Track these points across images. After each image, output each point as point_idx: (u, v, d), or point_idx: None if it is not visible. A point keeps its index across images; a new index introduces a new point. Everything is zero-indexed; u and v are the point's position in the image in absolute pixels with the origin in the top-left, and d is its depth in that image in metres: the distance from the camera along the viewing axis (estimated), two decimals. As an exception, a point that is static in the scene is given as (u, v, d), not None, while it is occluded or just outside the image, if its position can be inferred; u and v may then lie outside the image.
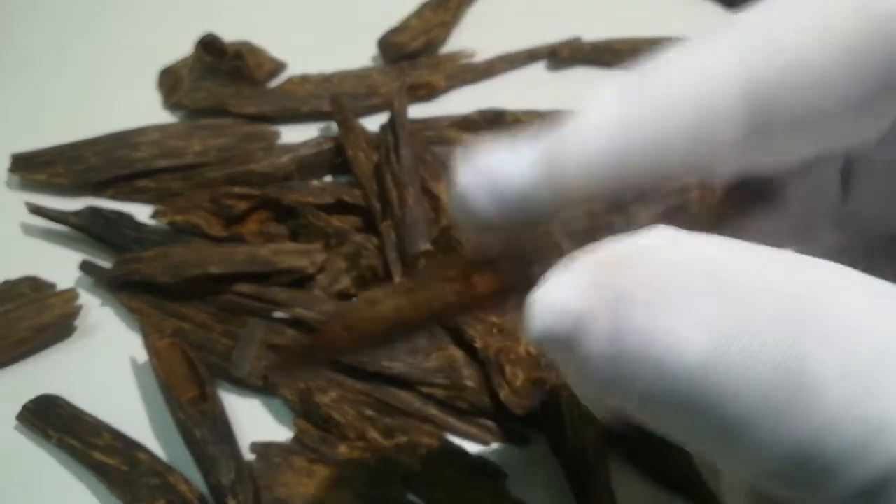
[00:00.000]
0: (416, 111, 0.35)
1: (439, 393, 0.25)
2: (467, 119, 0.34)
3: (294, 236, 0.30)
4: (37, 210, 0.31)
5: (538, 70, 0.39)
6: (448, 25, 0.40)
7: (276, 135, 0.35)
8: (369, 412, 0.25)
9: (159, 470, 0.24)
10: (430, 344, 0.26)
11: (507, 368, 0.25)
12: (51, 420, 0.25)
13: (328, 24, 0.41)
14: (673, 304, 0.11)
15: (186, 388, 0.25)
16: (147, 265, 0.28)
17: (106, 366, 0.27)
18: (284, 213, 0.31)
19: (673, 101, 0.13)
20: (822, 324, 0.10)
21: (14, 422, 0.26)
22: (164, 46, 0.39)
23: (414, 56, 0.39)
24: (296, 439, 0.25)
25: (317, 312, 0.27)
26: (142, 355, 0.27)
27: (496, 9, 0.43)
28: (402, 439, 0.24)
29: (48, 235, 0.32)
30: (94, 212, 0.31)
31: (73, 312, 0.28)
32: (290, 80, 0.37)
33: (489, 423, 0.25)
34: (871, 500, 0.10)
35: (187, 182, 0.32)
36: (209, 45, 0.37)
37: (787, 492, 0.11)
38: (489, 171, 0.14)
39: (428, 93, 0.37)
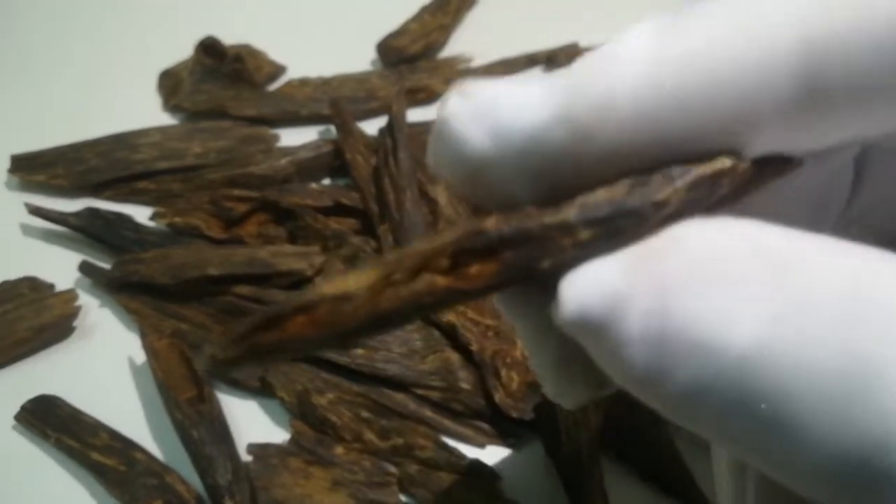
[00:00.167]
0: (415, 115, 0.35)
1: (435, 395, 0.26)
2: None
3: (293, 238, 0.30)
4: (36, 211, 0.31)
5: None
6: (447, 29, 0.41)
7: (276, 137, 0.35)
8: (365, 414, 0.25)
9: (157, 470, 0.24)
10: (425, 346, 0.26)
11: (503, 371, 0.25)
12: (49, 420, 0.25)
13: (328, 28, 0.42)
14: (723, 286, 0.10)
15: (184, 388, 0.25)
16: (146, 266, 0.29)
17: (104, 366, 0.28)
18: (283, 215, 0.31)
19: (716, 56, 0.11)
20: (883, 308, 0.09)
21: (12, 422, 0.26)
22: (165, 49, 0.39)
23: (413, 60, 0.39)
24: (292, 441, 0.25)
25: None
26: (140, 356, 0.27)
27: (495, 13, 0.43)
28: (398, 441, 0.24)
29: (47, 236, 0.32)
30: (93, 213, 0.31)
31: (72, 313, 0.28)
32: (290, 84, 0.38)
33: (484, 425, 0.25)
34: None
35: (187, 184, 0.32)
36: (209, 48, 0.37)
37: (841, 500, 0.10)
38: (491, 101, 0.11)
39: (427, 97, 0.37)
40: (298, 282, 0.28)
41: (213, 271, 0.28)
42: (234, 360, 0.11)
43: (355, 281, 0.11)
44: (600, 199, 0.10)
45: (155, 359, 0.26)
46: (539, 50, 0.39)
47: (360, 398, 0.26)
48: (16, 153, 0.34)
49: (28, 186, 0.33)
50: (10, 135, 0.35)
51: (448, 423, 0.25)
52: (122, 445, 0.25)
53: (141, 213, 0.32)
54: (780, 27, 0.10)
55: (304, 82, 0.38)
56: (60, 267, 0.30)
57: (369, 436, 0.25)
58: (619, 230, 0.10)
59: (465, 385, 0.26)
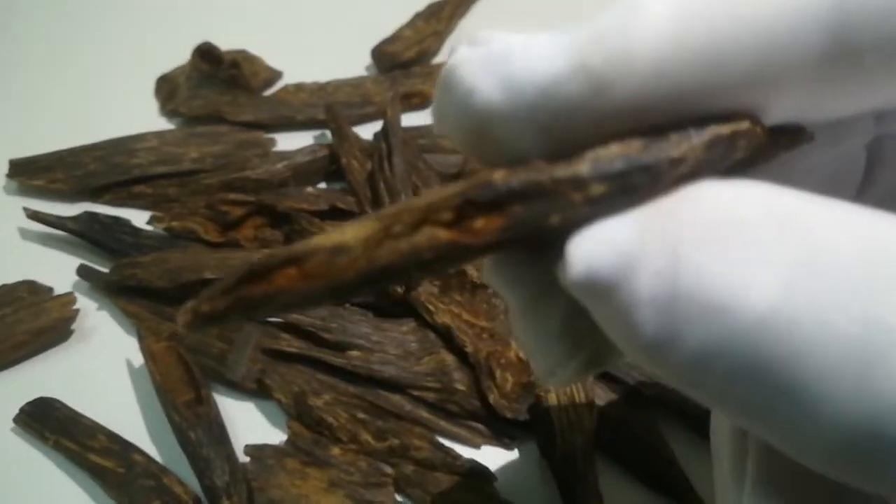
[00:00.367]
0: (410, 120, 0.35)
1: (430, 396, 0.26)
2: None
3: (288, 242, 0.30)
4: (35, 215, 0.31)
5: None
6: (441, 35, 0.41)
7: (272, 142, 0.35)
8: (361, 415, 0.25)
9: (154, 472, 0.24)
10: (421, 348, 0.27)
11: (497, 373, 0.25)
12: (47, 422, 0.26)
13: (323, 34, 0.42)
14: (738, 247, 0.09)
15: (182, 390, 0.26)
16: (144, 270, 0.29)
17: (102, 369, 0.28)
18: (279, 219, 0.31)
19: (743, 8, 0.10)
20: None
21: (11, 424, 0.26)
22: (162, 54, 0.40)
23: (407, 65, 0.39)
24: (289, 442, 0.25)
25: (312, 317, 0.27)
26: (138, 358, 0.28)
27: (488, 19, 0.43)
28: (394, 442, 0.25)
29: (46, 240, 0.32)
30: (91, 217, 0.31)
31: (71, 316, 0.29)
32: (286, 89, 0.38)
33: (479, 426, 0.26)
34: None
35: (184, 188, 0.33)
36: (206, 54, 0.38)
37: (853, 474, 0.10)
38: (503, 50, 0.10)
39: (421, 101, 0.37)
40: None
41: (209, 275, 0.28)
42: (218, 314, 0.10)
43: (352, 233, 0.10)
44: (614, 153, 0.10)
45: (153, 361, 0.26)
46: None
47: (356, 399, 0.26)
48: (14, 158, 0.34)
49: (26, 191, 0.33)
50: (8, 139, 0.36)
51: (443, 423, 0.26)
52: (121, 447, 0.25)
53: (138, 217, 0.32)
54: None
55: (299, 87, 0.38)
56: (59, 270, 0.30)
57: (365, 437, 0.25)
58: (632, 186, 0.10)
59: (460, 386, 0.26)
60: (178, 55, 0.39)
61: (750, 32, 0.10)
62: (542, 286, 0.12)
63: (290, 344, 0.27)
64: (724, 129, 0.10)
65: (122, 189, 0.33)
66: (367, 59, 0.40)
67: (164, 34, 0.42)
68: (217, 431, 0.25)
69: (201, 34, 0.38)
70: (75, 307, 0.29)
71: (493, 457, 0.25)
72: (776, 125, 0.11)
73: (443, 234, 0.10)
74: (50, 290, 0.29)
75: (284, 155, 0.34)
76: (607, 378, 0.26)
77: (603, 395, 0.26)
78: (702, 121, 0.10)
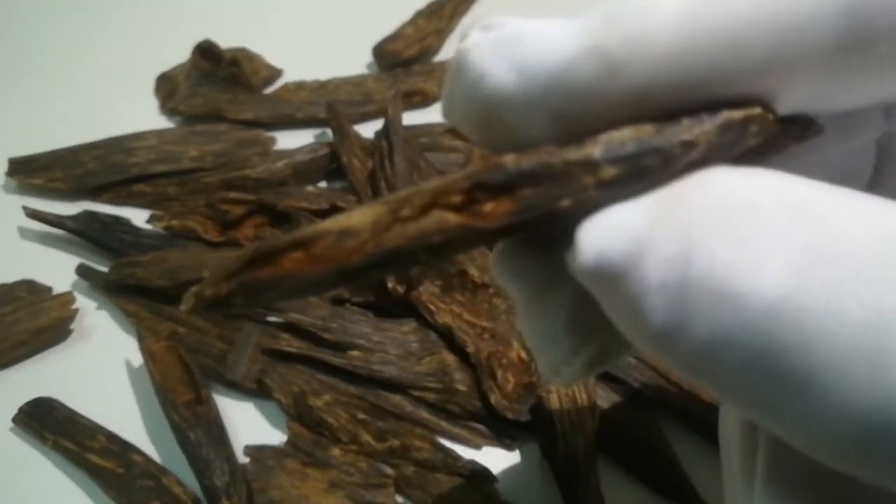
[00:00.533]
0: (411, 118, 0.35)
1: (431, 397, 0.26)
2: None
3: (289, 241, 0.30)
4: (34, 214, 0.31)
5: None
6: (442, 33, 0.41)
7: (272, 141, 0.35)
8: (362, 416, 0.25)
9: (154, 472, 0.24)
10: (422, 348, 0.27)
11: (499, 373, 0.25)
12: (46, 422, 0.25)
13: (324, 32, 0.42)
14: (750, 234, 0.09)
15: (181, 391, 0.25)
16: (143, 269, 0.29)
17: (102, 369, 0.28)
18: (280, 218, 0.31)
19: None
20: None
21: (10, 424, 0.26)
22: (162, 52, 0.39)
23: (408, 63, 0.39)
24: (289, 442, 0.25)
25: (312, 317, 0.27)
26: (137, 358, 0.27)
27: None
28: (395, 443, 0.25)
29: (45, 239, 0.32)
30: (90, 216, 0.31)
31: (70, 316, 0.28)
32: (286, 87, 0.38)
33: (480, 426, 0.26)
34: None
35: (183, 187, 0.33)
36: (206, 52, 0.37)
37: (865, 468, 0.09)
38: (516, 34, 0.10)
39: (422, 100, 0.37)
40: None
41: (209, 274, 0.28)
42: (223, 299, 0.10)
43: (360, 216, 0.10)
44: (626, 136, 0.10)
45: (152, 361, 0.26)
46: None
47: (356, 400, 0.26)
48: (13, 156, 0.34)
49: (25, 189, 0.33)
50: (7, 138, 0.36)
51: (444, 424, 0.26)
52: (120, 448, 0.25)
53: (138, 216, 0.32)
54: None
55: (300, 86, 0.38)
56: (58, 270, 0.30)
57: (366, 437, 0.25)
58: (644, 169, 0.10)
59: (461, 387, 0.26)
60: (178, 53, 0.39)
61: (767, 15, 0.10)
62: (549, 279, 0.11)
63: (290, 344, 0.27)
64: (737, 114, 0.10)
65: (121, 188, 0.33)
66: (368, 57, 0.40)
67: (164, 32, 0.42)
68: (216, 432, 0.25)
69: (201, 32, 0.38)
70: (74, 307, 0.29)
71: (494, 458, 0.25)
72: (788, 115, 0.11)
73: (452, 218, 0.10)
74: (49, 289, 0.29)
75: (285, 153, 0.33)
76: (609, 379, 0.26)
77: (605, 396, 0.25)
78: (714, 107, 0.10)
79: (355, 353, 0.26)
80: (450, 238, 0.10)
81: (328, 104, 0.35)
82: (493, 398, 0.25)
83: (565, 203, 0.10)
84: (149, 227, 0.31)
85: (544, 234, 0.11)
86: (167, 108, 0.37)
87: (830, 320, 0.09)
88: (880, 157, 0.14)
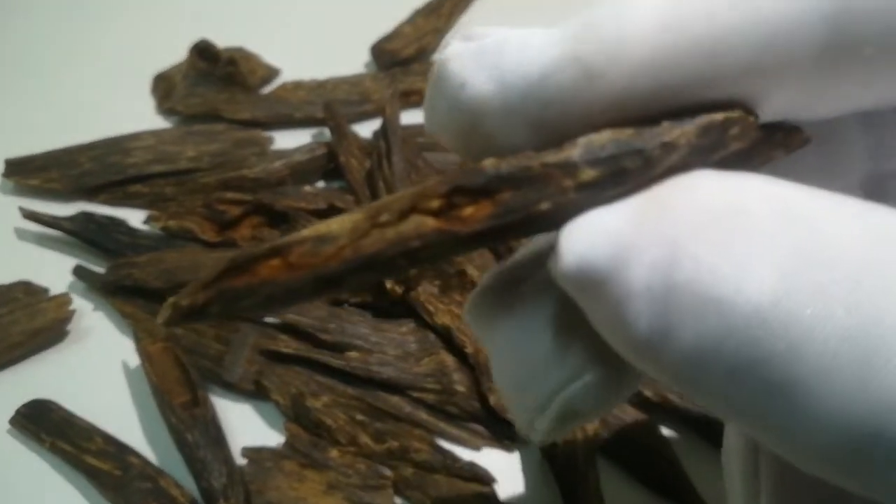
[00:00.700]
0: (409, 118, 0.35)
1: (430, 398, 0.26)
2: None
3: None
4: (30, 215, 0.31)
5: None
6: (440, 32, 0.41)
7: (270, 140, 0.35)
8: (360, 417, 0.25)
9: (151, 474, 0.24)
10: (420, 349, 0.26)
11: (497, 374, 0.25)
12: (44, 424, 0.25)
13: (321, 31, 0.42)
14: (735, 237, 0.09)
15: (178, 392, 0.25)
16: (140, 270, 0.29)
17: (98, 370, 0.28)
18: (277, 218, 0.31)
19: (740, 3, 0.10)
20: None
21: (7, 426, 0.26)
22: (159, 52, 0.39)
23: (406, 63, 0.39)
24: (287, 444, 0.25)
25: (310, 318, 0.27)
26: (134, 360, 0.27)
27: (488, 16, 0.43)
28: (393, 444, 0.24)
29: (42, 240, 0.32)
30: (87, 217, 0.31)
31: (66, 317, 0.28)
32: (284, 87, 0.38)
33: (479, 427, 0.25)
34: None
35: (180, 187, 0.32)
36: (203, 51, 0.37)
37: (850, 477, 0.09)
38: (495, 43, 0.10)
39: (420, 99, 0.37)
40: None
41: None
42: (201, 308, 0.10)
43: (338, 223, 0.10)
44: (605, 138, 0.10)
45: (149, 363, 0.26)
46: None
47: (354, 401, 0.26)
48: (10, 157, 0.34)
49: (22, 190, 0.33)
50: (3, 139, 0.35)
51: (443, 425, 0.25)
52: (117, 450, 0.25)
53: (135, 217, 0.32)
54: None
55: (297, 85, 0.38)
56: (55, 271, 0.30)
57: (364, 439, 0.25)
58: (624, 171, 0.10)
59: (460, 388, 0.26)
60: (175, 53, 0.38)
61: (749, 21, 0.10)
62: (532, 316, 0.11)
63: (288, 345, 0.27)
64: (717, 117, 0.10)
65: (118, 188, 0.33)
66: (366, 57, 0.40)
67: (161, 32, 0.41)
68: (214, 433, 0.25)
69: (198, 32, 0.38)
70: (71, 308, 0.29)
71: (494, 459, 0.25)
72: (772, 122, 0.11)
73: (430, 223, 0.10)
74: (46, 290, 0.29)
75: (282, 153, 0.33)
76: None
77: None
78: (695, 111, 0.10)
79: (353, 353, 0.26)
80: (429, 242, 0.10)
81: (326, 104, 0.35)
82: (493, 399, 0.25)
83: (545, 206, 0.10)
84: (146, 227, 0.31)
85: (531, 231, 0.10)
86: (164, 108, 0.37)
87: (817, 326, 0.09)
88: (874, 199, 0.14)
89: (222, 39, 0.38)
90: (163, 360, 0.26)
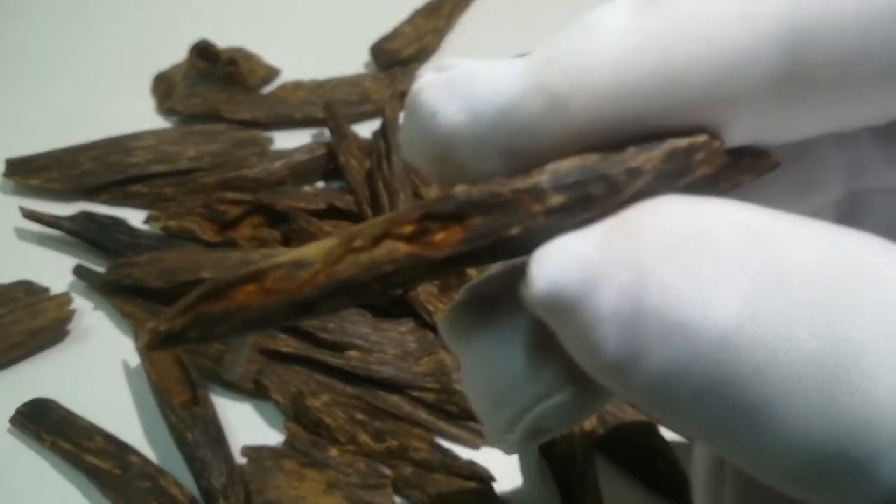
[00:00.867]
0: (409, 118, 0.35)
1: (429, 397, 0.26)
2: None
3: (286, 241, 0.30)
4: (31, 215, 0.31)
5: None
6: (440, 33, 0.41)
7: (270, 141, 0.35)
8: (360, 416, 0.25)
9: (151, 473, 0.24)
10: (420, 348, 0.27)
11: (497, 373, 0.25)
12: (44, 423, 0.25)
13: (321, 32, 0.42)
14: (701, 262, 0.09)
15: (178, 391, 0.25)
16: (140, 270, 0.29)
17: (99, 369, 0.28)
18: (277, 218, 0.31)
19: (699, 28, 0.10)
20: (861, 291, 0.09)
21: (7, 425, 0.26)
22: (159, 52, 0.39)
23: (406, 63, 0.39)
24: (287, 443, 0.25)
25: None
26: (134, 359, 0.27)
27: (488, 16, 0.43)
28: (393, 443, 0.25)
29: (42, 240, 0.32)
30: (87, 216, 0.31)
31: (67, 316, 0.28)
32: (284, 87, 0.38)
33: (478, 426, 0.25)
34: None
35: (181, 187, 0.33)
36: (203, 52, 0.37)
37: (817, 495, 0.09)
38: (465, 74, 0.11)
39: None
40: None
41: (206, 275, 0.28)
42: (178, 333, 0.10)
43: (313, 249, 0.10)
44: (571, 165, 0.10)
45: (149, 362, 0.26)
46: (532, 53, 0.39)
47: (354, 400, 0.26)
48: (10, 157, 0.34)
49: (23, 190, 0.33)
50: (4, 138, 0.35)
51: (442, 424, 0.26)
52: (117, 449, 0.25)
53: (135, 217, 0.32)
54: (767, 8, 0.10)
55: (297, 85, 0.38)
56: (55, 270, 0.30)
57: (364, 438, 0.25)
58: (590, 197, 0.10)
59: (459, 387, 0.26)
60: (176, 53, 0.39)
61: (708, 50, 0.10)
62: (502, 337, 0.12)
63: (288, 344, 0.27)
64: (682, 142, 0.10)
65: (118, 188, 0.33)
66: (366, 57, 0.40)
67: (161, 32, 0.42)
68: (214, 432, 0.25)
69: (198, 32, 0.38)
70: (72, 307, 0.29)
71: (493, 458, 0.25)
72: (739, 147, 0.11)
73: (403, 248, 0.10)
74: (46, 290, 0.29)
75: (282, 153, 0.33)
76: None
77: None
78: (660, 137, 0.10)
79: (353, 353, 0.26)
80: (401, 267, 0.10)
81: (326, 104, 0.35)
82: (491, 398, 0.25)
83: (515, 231, 0.10)
84: (146, 227, 0.31)
85: (502, 256, 0.11)
86: (164, 108, 0.37)
87: (782, 349, 0.09)
88: (849, 217, 0.14)
89: (222, 39, 0.38)
90: (163, 360, 0.26)
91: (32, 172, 0.33)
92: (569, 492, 0.23)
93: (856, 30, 0.10)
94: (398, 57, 0.39)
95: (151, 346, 0.11)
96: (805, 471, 0.09)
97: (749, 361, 0.09)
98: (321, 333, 0.27)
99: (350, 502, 0.23)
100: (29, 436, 0.25)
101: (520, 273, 0.10)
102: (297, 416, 0.25)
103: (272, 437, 0.26)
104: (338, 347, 0.26)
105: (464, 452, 0.25)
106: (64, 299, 0.29)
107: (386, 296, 0.27)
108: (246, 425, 0.26)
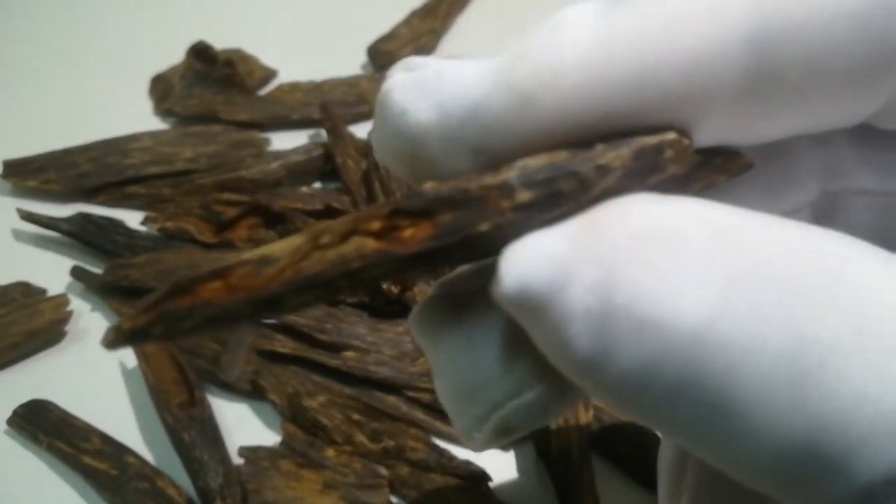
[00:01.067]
0: (405, 118, 0.35)
1: (425, 397, 0.26)
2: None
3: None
4: (28, 216, 0.31)
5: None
6: (437, 34, 0.41)
7: (267, 142, 0.35)
8: (356, 416, 0.25)
9: (148, 474, 0.24)
10: (416, 349, 0.27)
11: (493, 373, 0.25)
12: (41, 424, 0.25)
13: (318, 33, 0.42)
14: (671, 259, 0.09)
15: (175, 392, 0.25)
16: (137, 271, 0.29)
17: (96, 370, 0.28)
18: (274, 219, 0.31)
19: (667, 26, 0.10)
20: (839, 290, 0.09)
21: (4, 426, 0.26)
22: (156, 54, 0.39)
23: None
24: (283, 443, 0.25)
25: (306, 318, 0.27)
26: (131, 360, 0.27)
27: (485, 17, 0.43)
28: (389, 443, 0.25)
29: (39, 241, 0.32)
30: (85, 218, 0.31)
31: (64, 318, 0.28)
32: (281, 88, 0.38)
33: (475, 426, 0.26)
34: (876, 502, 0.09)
35: (178, 188, 0.33)
36: (200, 53, 0.37)
37: (789, 492, 0.09)
38: (434, 73, 0.11)
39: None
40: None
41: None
42: (142, 329, 0.10)
43: (280, 245, 0.10)
44: (540, 162, 0.10)
45: (146, 363, 0.26)
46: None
47: (351, 400, 0.26)
48: (7, 158, 0.34)
49: (20, 192, 0.33)
50: (1, 140, 0.35)
51: (439, 424, 0.26)
52: (114, 449, 0.25)
53: (132, 218, 0.32)
54: (734, 9, 0.10)
55: (294, 86, 0.38)
56: (52, 272, 0.30)
57: (360, 438, 0.25)
58: (559, 193, 0.10)
59: (455, 387, 0.26)
60: (173, 54, 0.39)
61: (676, 49, 0.10)
62: (473, 334, 0.12)
63: (285, 345, 0.27)
64: (651, 140, 0.10)
65: (115, 189, 0.33)
66: (362, 58, 0.40)
67: (159, 33, 0.42)
68: (211, 433, 0.25)
69: (195, 33, 0.38)
70: (69, 308, 0.29)
71: (489, 457, 0.25)
72: (711, 147, 0.11)
73: (371, 244, 0.10)
74: (43, 291, 0.29)
75: (279, 154, 0.33)
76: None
77: (599, 395, 0.25)
78: (630, 135, 0.10)
79: (350, 353, 0.26)
80: (369, 263, 0.10)
81: (322, 105, 0.35)
82: (488, 398, 0.25)
83: (484, 227, 0.10)
84: (143, 228, 0.31)
85: (468, 260, 0.11)
86: (162, 109, 0.37)
87: (752, 346, 0.09)
88: (825, 218, 0.14)
89: (220, 41, 0.38)
90: (160, 361, 0.26)
91: (29, 174, 0.33)
92: (565, 490, 0.23)
93: (821, 27, 0.10)
94: (395, 58, 0.39)
95: (115, 345, 0.11)
96: (777, 468, 0.09)
97: (720, 358, 0.09)
98: (318, 334, 0.27)
99: (347, 502, 0.23)
100: (26, 437, 0.26)
101: (491, 270, 0.10)
102: (293, 416, 0.25)
103: (269, 437, 0.26)
104: (334, 348, 0.26)
105: (460, 452, 0.25)
106: (61, 300, 0.29)
107: (382, 296, 0.27)
108: (243, 426, 0.26)
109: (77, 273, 0.30)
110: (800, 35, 0.10)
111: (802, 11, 0.10)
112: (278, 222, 0.31)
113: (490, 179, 0.10)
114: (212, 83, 0.37)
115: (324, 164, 0.33)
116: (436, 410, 0.26)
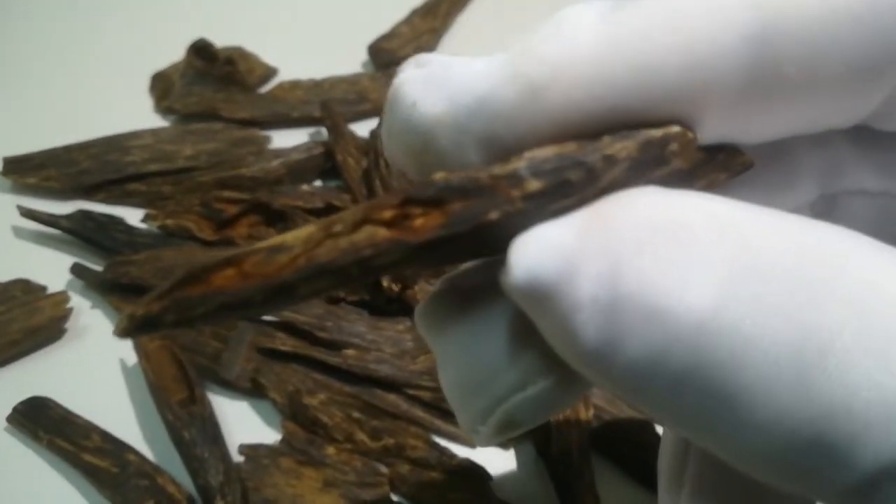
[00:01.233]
0: (406, 117, 0.35)
1: (426, 395, 0.26)
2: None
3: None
4: (28, 213, 0.31)
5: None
6: (437, 32, 0.41)
7: (267, 139, 0.35)
8: (357, 414, 0.25)
9: (148, 471, 0.24)
10: (416, 347, 0.27)
11: (493, 371, 0.25)
12: (41, 422, 0.25)
13: (319, 31, 0.42)
14: (677, 250, 0.09)
15: (175, 390, 0.25)
16: (137, 268, 0.29)
17: (96, 368, 0.28)
18: (274, 217, 0.31)
19: (671, 20, 0.10)
20: (841, 280, 0.09)
21: (4, 423, 0.26)
22: (157, 51, 0.39)
23: (404, 62, 0.39)
24: (284, 441, 0.25)
25: (307, 316, 0.27)
26: (131, 357, 0.27)
27: (485, 16, 0.43)
28: (389, 441, 0.25)
29: (39, 238, 0.32)
30: (85, 215, 0.31)
31: (64, 315, 0.28)
32: (281, 86, 0.38)
33: (475, 425, 0.26)
34: (876, 492, 0.09)
35: (178, 186, 0.33)
36: (201, 51, 0.37)
37: (795, 480, 0.10)
38: (444, 67, 0.11)
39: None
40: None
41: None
42: (155, 317, 0.10)
43: (293, 234, 0.10)
44: (549, 152, 0.10)
45: (146, 360, 0.26)
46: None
47: (351, 398, 0.26)
48: (7, 155, 0.34)
49: (20, 189, 0.33)
50: (1, 137, 0.35)
51: (439, 422, 0.26)
52: (114, 447, 0.25)
53: (132, 215, 0.32)
54: (736, 7, 0.10)
55: (295, 84, 0.38)
56: (52, 269, 0.30)
57: (361, 436, 0.25)
58: (568, 183, 0.10)
59: (455, 385, 0.26)
60: (173, 52, 0.39)
61: (676, 43, 0.10)
62: (479, 327, 0.12)
63: (285, 343, 0.27)
64: (656, 132, 0.11)
65: (116, 187, 0.33)
66: (363, 56, 0.40)
67: (159, 31, 0.42)
68: (211, 431, 0.25)
69: (196, 31, 0.38)
70: (69, 306, 0.29)
71: (489, 456, 0.25)
72: (714, 144, 0.11)
73: (382, 232, 0.10)
74: (43, 288, 0.29)
75: (279, 152, 0.33)
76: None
77: (599, 393, 0.25)
78: (635, 128, 0.11)
79: (350, 351, 0.26)
80: (381, 251, 0.10)
81: (323, 103, 0.35)
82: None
83: (494, 216, 0.10)
84: (143, 226, 0.31)
85: (478, 249, 0.11)
86: (162, 107, 0.37)
87: (757, 336, 0.09)
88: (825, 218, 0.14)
89: (220, 39, 0.38)
90: (160, 358, 0.26)
91: (30, 171, 0.33)
92: (565, 489, 0.23)
93: (821, 24, 0.10)
94: (396, 56, 0.39)
95: (128, 332, 0.11)
96: (783, 456, 0.09)
97: (725, 347, 0.09)
98: (318, 332, 0.27)
99: (347, 500, 0.23)
100: (26, 434, 0.26)
101: (499, 263, 0.10)
102: (294, 414, 0.25)
103: (269, 435, 0.26)
104: (335, 346, 0.26)
105: (460, 450, 0.25)
106: (61, 298, 0.29)
107: (383, 294, 0.27)
108: (243, 423, 0.26)
109: (77, 270, 0.30)
110: (800, 33, 0.10)
111: (802, 10, 0.10)
112: (279, 220, 0.31)
113: (500, 169, 0.10)
114: (212, 81, 0.37)
115: (324, 162, 0.33)
116: (436, 408, 0.26)
